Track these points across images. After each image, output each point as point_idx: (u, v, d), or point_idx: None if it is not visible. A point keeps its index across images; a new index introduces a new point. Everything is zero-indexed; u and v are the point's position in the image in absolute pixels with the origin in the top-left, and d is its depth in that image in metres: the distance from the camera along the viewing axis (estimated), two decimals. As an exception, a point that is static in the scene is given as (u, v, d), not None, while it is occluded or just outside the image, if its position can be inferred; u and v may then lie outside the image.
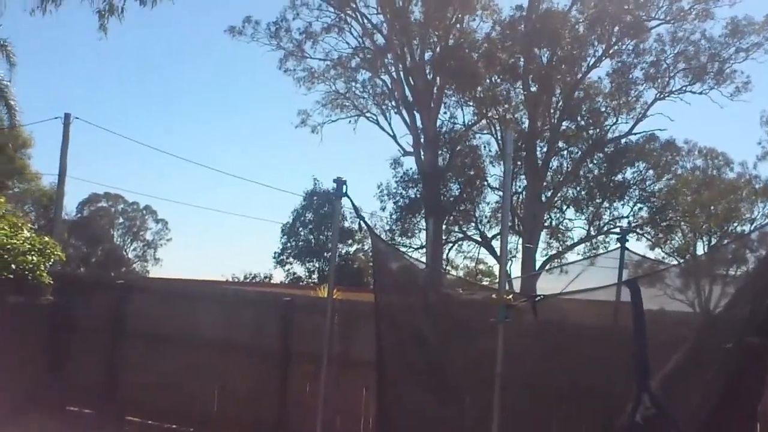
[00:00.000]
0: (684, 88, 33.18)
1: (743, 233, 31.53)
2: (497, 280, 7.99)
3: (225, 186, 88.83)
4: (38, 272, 11.10)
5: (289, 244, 48.40)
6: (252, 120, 76.18)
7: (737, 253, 7.51)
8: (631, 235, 31.32)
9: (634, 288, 5.99)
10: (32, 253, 11.17)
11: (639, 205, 34.90)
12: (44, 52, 70.40)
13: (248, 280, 48.49)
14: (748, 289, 6.17)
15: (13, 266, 10.84)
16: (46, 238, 12.04)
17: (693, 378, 6.14)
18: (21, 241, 11.23)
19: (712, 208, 34.31)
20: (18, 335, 10.98)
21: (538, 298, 6.78)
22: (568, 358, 6.89)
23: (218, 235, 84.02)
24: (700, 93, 32.98)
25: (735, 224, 34.55)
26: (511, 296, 6.87)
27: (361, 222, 9.04)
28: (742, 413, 5.77)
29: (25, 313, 11.20)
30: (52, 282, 11.30)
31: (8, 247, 10.99)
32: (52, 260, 11.75)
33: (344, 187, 8.07)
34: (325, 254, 46.53)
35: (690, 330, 6.91)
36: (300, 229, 48.37)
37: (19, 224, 11.93)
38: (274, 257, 48.75)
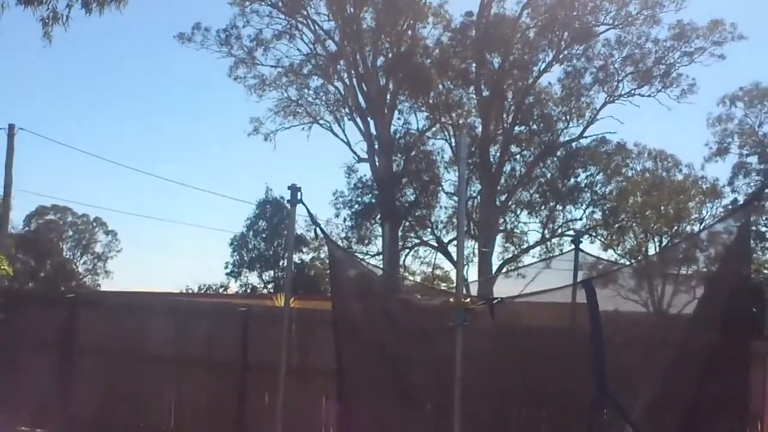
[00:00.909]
0: (633, 91, 33.83)
1: (693, 233, 32.22)
2: (454, 285, 7.98)
3: (177, 196, 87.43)
4: (-17, 288, 10.79)
5: (239, 256, 47.90)
6: (204, 128, 75.34)
7: (688, 252, 7.63)
8: (584, 237, 31.76)
9: (589, 288, 6.02)
10: (-23, 268, 10.86)
11: (591, 208, 35.44)
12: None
13: (203, 292, 47.84)
14: (709, 289, 6.25)
15: (-43, 283, 10.53)
16: (-8, 253, 11.70)
17: (663, 378, 6.16)
18: (-35, 257, 10.91)
19: (662, 208, 35.01)
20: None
21: (495, 300, 6.78)
22: (527, 360, 6.91)
23: (171, 245, 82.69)
24: (648, 96, 33.68)
25: (685, 224, 35.31)
26: (468, 300, 6.86)
27: (317, 229, 8.99)
28: (730, 412, 5.82)
29: (-30, 330, 10.86)
30: (-2, 298, 11.00)
31: (-49, 263, 10.67)
32: (-2, 275, 11.44)
33: (299, 193, 8.00)
34: (280, 263, 46.27)
35: (645, 330, 6.99)
36: (252, 238, 47.90)
37: (-37, 239, 11.59)
38: (225, 267, 48.32)
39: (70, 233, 60.23)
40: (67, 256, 59.96)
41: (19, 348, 11.06)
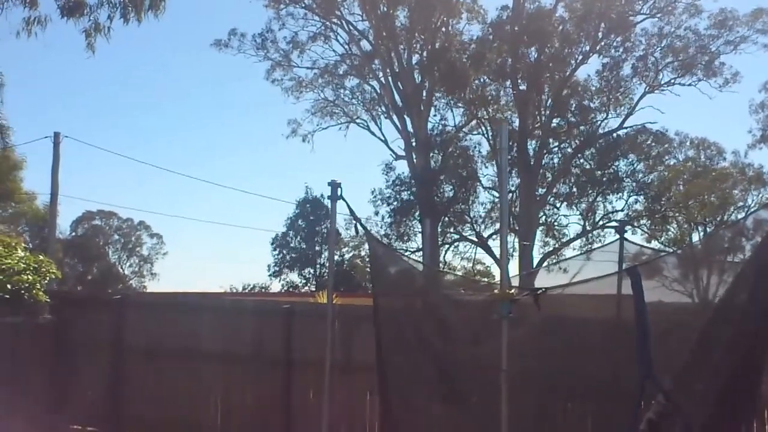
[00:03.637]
0: (673, 81, 33.28)
1: (737, 220, 31.51)
2: (495, 280, 7.95)
3: (219, 198, 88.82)
4: (35, 291, 11.03)
5: (280, 255, 48.28)
6: (244, 131, 76.19)
7: (733, 240, 7.48)
8: (627, 228, 31.23)
9: (634, 275, 5.94)
10: (28, 272, 11.11)
11: (634, 197, 34.89)
12: (34, 73, 70.28)
13: (247, 291, 48.39)
14: (749, 275, 6.13)
15: (9, 286, 10.77)
16: (41, 257, 11.97)
17: (698, 367, 6.09)
18: (16, 261, 11.16)
19: (705, 197, 34.31)
20: (17, 355, 10.91)
21: (540, 291, 6.71)
22: (573, 352, 6.84)
23: (214, 246, 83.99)
24: (689, 85, 33.12)
25: (730, 213, 34.57)
26: (513, 291, 6.82)
27: (358, 225, 8.98)
28: (745, 395, 5.73)
29: (23, 332, 11.11)
30: (49, 300, 11.23)
31: (3, 267, 10.92)
32: (47, 279, 11.68)
33: (339, 190, 8.02)
34: (320, 261, 46.63)
35: (690, 318, 6.88)
36: (292, 238, 48.26)
37: (13, 244, 11.86)
38: (268, 269, 48.76)
39: (116, 237, 61.38)
40: (113, 260, 61.11)
41: (69, 349, 11.29)
